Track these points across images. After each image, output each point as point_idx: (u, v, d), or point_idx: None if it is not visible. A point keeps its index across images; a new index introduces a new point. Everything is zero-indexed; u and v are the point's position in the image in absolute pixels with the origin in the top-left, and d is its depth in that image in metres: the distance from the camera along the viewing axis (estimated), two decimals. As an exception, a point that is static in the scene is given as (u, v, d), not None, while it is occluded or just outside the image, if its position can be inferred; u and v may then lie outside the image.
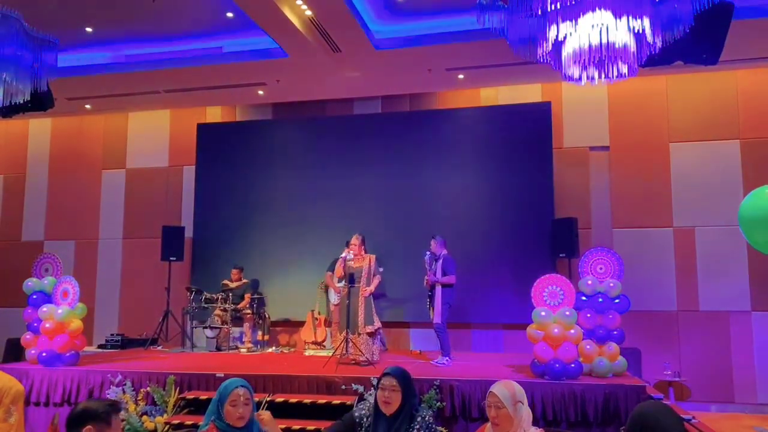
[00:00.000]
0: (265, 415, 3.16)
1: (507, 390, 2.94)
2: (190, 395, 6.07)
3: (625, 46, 4.29)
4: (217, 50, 8.45)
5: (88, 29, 8.03)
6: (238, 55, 8.38)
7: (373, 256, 7.39)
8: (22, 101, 5.69)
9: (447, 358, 7.05)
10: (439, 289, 7.09)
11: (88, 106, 10.21)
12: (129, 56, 8.79)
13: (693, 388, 8.16)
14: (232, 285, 9.00)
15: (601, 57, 4.34)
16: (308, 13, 7.07)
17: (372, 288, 7.26)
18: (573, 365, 5.92)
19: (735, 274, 8.28)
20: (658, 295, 8.43)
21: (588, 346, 6.24)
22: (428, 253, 7.23)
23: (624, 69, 4.57)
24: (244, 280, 9.15)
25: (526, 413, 2.96)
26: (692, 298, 8.41)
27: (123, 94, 9.57)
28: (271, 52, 8.18)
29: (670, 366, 8.03)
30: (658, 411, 2.15)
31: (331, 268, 8.54)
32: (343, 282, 7.47)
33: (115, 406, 2.52)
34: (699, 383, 8.15)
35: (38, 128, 11.03)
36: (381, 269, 7.76)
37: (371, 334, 7.16)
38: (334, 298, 8.44)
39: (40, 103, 6.67)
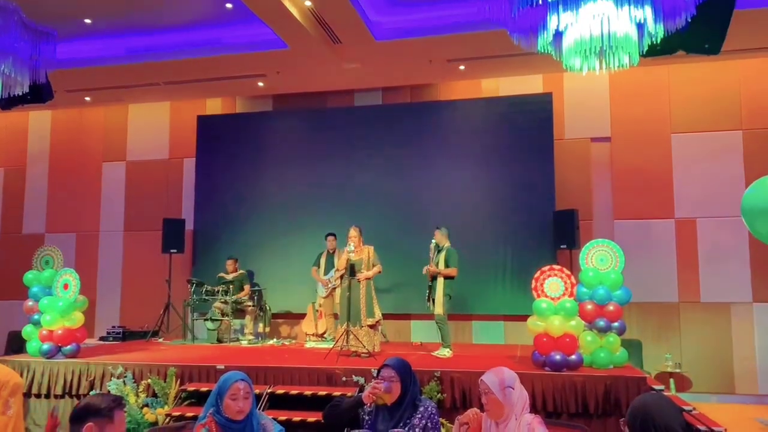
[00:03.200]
0: None
1: (495, 377, 2.99)
2: (191, 387, 6.09)
3: (626, 36, 4.25)
4: (216, 41, 8.41)
5: (87, 21, 7.99)
6: (237, 47, 8.34)
7: (371, 248, 7.37)
8: (21, 93, 5.68)
9: (448, 349, 7.05)
10: (440, 280, 7.08)
11: (87, 98, 10.19)
12: (128, 48, 8.75)
13: (694, 379, 8.16)
14: (229, 277, 9.00)
15: (603, 46, 4.30)
16: (308, 3, 7.03)
17: (371, 274, 7.23)
18: (574, 357, 5.92)
19: (736, 266, 8.26)
20: (659, 287, 8.42)
21: (589, 338, 6.23)
22: (439, 231, 7.23)
23: (625, 59, 4.53)
24: (240, 271, 9.14)
25: (519, 398, 2.97)
26: (693, 290, 8.39)
27: (122, 86, 9.54)
28: (270, 44, 8.13)
29: (671, 357, 8.03)
30: (658, 402, 2.15)
31: (316, 263, 8.66)
32: (340, 273, 7.49)
33: (118, 402, 2.50)
34: (700, 374, 8.16)
35: (38, 121, 11.02)
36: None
37: (372, 326, 7.16)
38: (321, 291, 8.56)
39: (39, 95, 6.63)
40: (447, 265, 7.06)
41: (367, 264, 7.24)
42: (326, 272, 8.56)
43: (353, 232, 7.34)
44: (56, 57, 5.83)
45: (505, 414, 2.94)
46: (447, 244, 7.24)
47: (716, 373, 8.16)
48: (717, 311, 8.28)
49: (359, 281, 7.17)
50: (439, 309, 7.05)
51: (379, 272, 7.39)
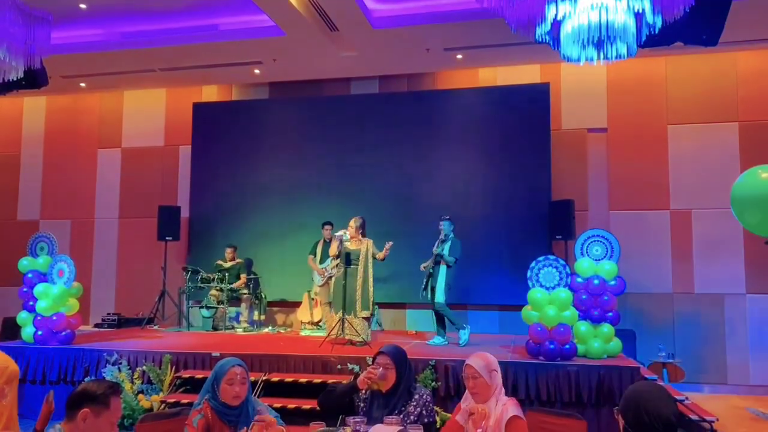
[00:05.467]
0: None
1: (482, 360, 3.15)
2: (186, 374, 6.11)
3: (624, 26, 4.24)
4: (213, 28, 8.36)
5: (82, 6, 7.91)
6: (234, 33, 8.29)
7: (371, 241, 7.33)
8: (15, 78, 5.63)
9: (464, 330, 7.07)
10: (443, 269, 7.10)
11: (82, 84, 10.12)
12: (124, 34, 8.69)
13: (687, 369, 8.21)
14: (226, 265, 8.99)
15: (600, 37, 4.29)
16: (305, -10, 6.99)
17: (385, 251, 7.18)
18: (568, 346, 5.95)
19: (730, 257, 8.30)
20: (653, 277, 8.45)
21: (583, 328, 6.26)
22: (441, 224, 7.24)
23: (623, 49, 4.52)
24: (238, 260, 9.14)
25: (499, 380, 3.18)
26: (687, 281, 8.43)
27: (118, 73, 9.47)
28: (267, 31, 8.09)
29: (665, 347, 8.08)
30: (651, 391, 2.16)
31: (313, 252, 8.66)
32: (335, 262, 7.48)
33: (114, 388, 2.49)
34: (693, 365, 8.20)
35: (33, 106, 10.95)
36: (390, 242, 7.37)
37: (366, 319, 7.15)
38: (317, 280, 8.56)
39: (34, 80, 6.60)
40: (450, 254, 7.08)
41: (364, 255, 7.21)
42: (322, 261, 8.56)
43: (352, 223, 7.32)
44: (51, 42, 5.78)
45: (490, 396, 3.10)
46: (451, 235, 7.27)
47: (709, 363, 8.21)
48: (711, 302, 8.33)
49: (380, 260, 7.20)
50: (440, 297, 7.07)
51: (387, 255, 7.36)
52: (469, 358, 3.18)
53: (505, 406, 3.05)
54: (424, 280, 7.25)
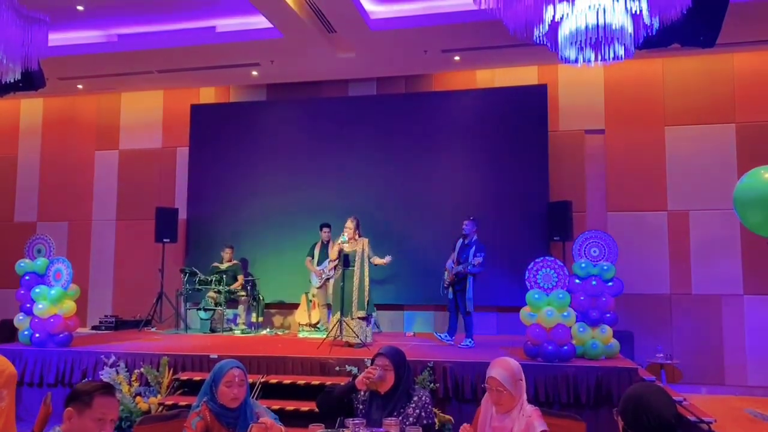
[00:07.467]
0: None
1: (506, 371, 2.95)
2: (183, 376, 6.09)
3: (622, 28, 4.25)
4: (210, 30, 8.35)
5: (80, 7, 7.90)
6: (231, 35, 8.28)
7: (366, 240, 7.33)
8: (12, 80, 5.61)
9: (471, 339, 7.16)
10: (471, 278, 7.12)
11: (80, 86, 10.11)
12: (121, 35, 8.68)
13: (684, 370, 8.22)
14: (223, 266, 8.96)
15: (598, 38, 4.30)
16: (303, -8, 6.98)
17: (384, 261, 7.18)
18: (566, 347, 5.95)
19: (728, 258, 8.31)
20: (651, 278, 8.46)
21: (581, 329, 6.26)
22: (465, 224, 7.22)
23: (621, 51, 4.52)
24: (234, 261, 9.12)
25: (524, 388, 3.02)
26: (685, 282, 8.44)
27: (115, 74, 9.46)
28: (264, 32, 8.09)
29: (662, 348, 8.09)
30: (651, 392, 2.16)
31: (310, 253, 8.67)
32: (333, 264, 7.47)
33: (100, 388, 2.49)
34: (691, 366, 8.22)
35: (30, 108, 10.93)
36: (390, 257, 7.33)
37: (363, 319, 7.14)
38: (315, 282, 8.58)
39: (31, 82, 6.59)
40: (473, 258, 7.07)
41: (360, 256, 7.20)
42: (320, 263, 8.55)
43: (349, 224, 7.31)
44: (48, 44, 5.76)
45: (513, 407, 2.94)
46: (475, 237, 7.25)
47: (707, 364, 8.22)
48: (708, 303, 8.34)
49: (375, 265, 7.19)
50: (470, 306, 7.15)
51: (389, 261, 7.30)
52: (493, 368, 2.97)
53: (530, 419, 2.87)
54: (448, 281, 7.28)
